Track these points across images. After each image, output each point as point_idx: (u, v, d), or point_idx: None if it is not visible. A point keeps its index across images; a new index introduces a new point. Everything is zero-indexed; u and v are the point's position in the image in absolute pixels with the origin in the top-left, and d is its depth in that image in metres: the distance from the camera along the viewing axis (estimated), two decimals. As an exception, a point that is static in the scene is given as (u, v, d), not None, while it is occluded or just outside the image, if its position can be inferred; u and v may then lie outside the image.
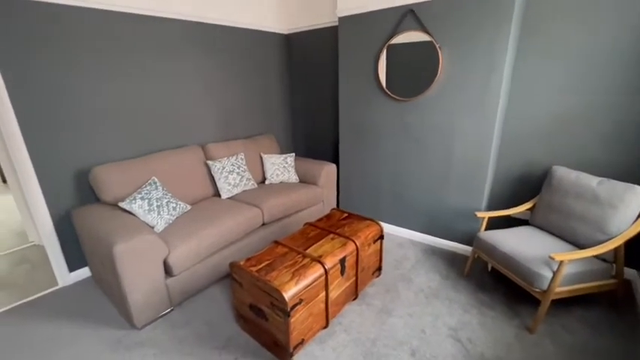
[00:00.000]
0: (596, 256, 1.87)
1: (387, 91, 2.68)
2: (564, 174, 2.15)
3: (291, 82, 3.93)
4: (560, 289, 1.77)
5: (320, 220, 2.35)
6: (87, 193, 2.40)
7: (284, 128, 4.01)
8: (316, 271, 1.72)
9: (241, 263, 1.77)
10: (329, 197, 3.31)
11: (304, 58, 3.68)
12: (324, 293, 1.78)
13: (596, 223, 1.90)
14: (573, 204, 2.03)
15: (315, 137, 3.92)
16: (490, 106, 2.26)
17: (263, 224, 2.64)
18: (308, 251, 1.89)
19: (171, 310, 2.10)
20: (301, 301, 1.62)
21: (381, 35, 2.61)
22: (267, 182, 3.19)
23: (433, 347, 1.76)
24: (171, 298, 2.05)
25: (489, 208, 2.73)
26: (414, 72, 2.51)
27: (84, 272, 2.50)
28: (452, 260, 2.60)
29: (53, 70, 2.13)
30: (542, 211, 2.22)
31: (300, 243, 2.00)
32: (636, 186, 1.83)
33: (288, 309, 1.53)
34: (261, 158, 3.27)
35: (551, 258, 1.67)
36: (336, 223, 2.26)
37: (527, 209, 2.35)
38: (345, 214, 2.41)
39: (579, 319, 1.92)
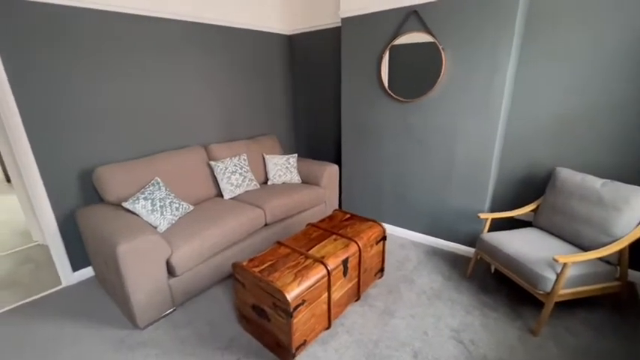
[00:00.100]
0: (600, 259, 1.86)
1: (389, 92, 2.68)
2: (568, 175, 2.14)
3: (293, 83, 3.93)
4: (564, 292, 1.76)
5: (322, 220, 2.35)
6: (90, 193, 2.41)
7: (286, 129, 4.01)
8: (319, 272, 1.72)
9: (244, 264, 1.78)
10: (331, 198, 3.31)
11: (307, 58, 3.68)
12: (326, 294, 1.78)
13: (600, 225, 1.89)
14: (577, 206, 2.02)
15: (318, 138, 3.92)
16: (493, 108, 2.26)
17: (265, 225, 2.64)
18: (311, 252, 1.89)
19: (174, 310, 2.10)
20: (304, 302, 1.62)
21: (384, 36, 2.61)
22: (269, 183, 3.20)
23: (435, 349, 1.76)
24: (174, 299, 2.06)
25: (492, 210, 2.73)
26: (417, 73, 2.51)
27: (87, 272, 2.51)
28: (454, 262, 2.60)
29: (57, 72, 2.14)
30: (545, 212, 2.21)
31: (302, 244, 2.00)
32: (641, 188, 1.83)
33: (291, 310, 1.53)
34: (263, 159, 3.27)
35: (555, 260, 1.66)
36: (338, 224, 2.26)
37: (531, 211, 2.34)
38: (348, 215, 2.41)
39: (583, 322, 1.91)
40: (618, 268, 1.88)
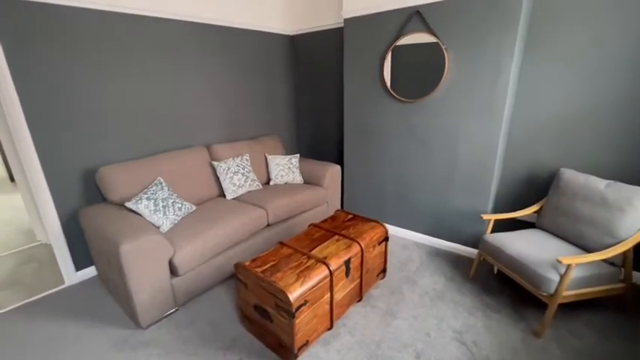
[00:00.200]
0: (604, 260, 1.85)
1: (392, 92, 2.68)
2: (572, 176, 2.13)
3: (296, 83, 3.94)
4: (568, 293, 1.75)
5: (325, 221, 2.35)
6: (94, 192, 2.42)
7: (289, 129, 4.01)
8: (321, 273, 1.72)
9: (246, 264, 1.78)
10: (333, 198, 3.31)
11: (309, 59, 3.68)
12: (328, 295, 1.78)
13: (604, 227, 1.88)
14: (581, 207, 2.01)
15: (320, 138, 3.92)
16: (496, 108, 2.25)
17: (268, 225, 2.65)
18: (313, 252, 1.89)
19: (176, 310, 2.11)
20: (306, 302, 1.62)
21: (386, 37, 2.60)
22: (271, 183, 3.20)
23: (438, 350, 1.75)
24: (176, 298, 2.06)
25: (495, 211, 2.72)
26: (420, 73, 2.50)
27: (90, 271, 2.52)
28: (456, 263, 2.59)
29: (61, 72, 2.15)
30: (549, 213, 2.20)
31: (305, 244, 2.00)
32: (645, 189, 1.81)
33: (293, 310, 1.53)
34: (265, 159, 3.28)
35: (559, 261, 1.65)
36: (340, 225, 2.26)
37: (534, 212, 2.33)
38: (350, 216, 2.40)
39: (586, 324, 1.90)
40: (622, 269, 1.86)
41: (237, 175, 2.86)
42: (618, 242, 1.80)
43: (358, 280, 2.05)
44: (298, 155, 3.38)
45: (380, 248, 2.22)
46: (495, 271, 2.43)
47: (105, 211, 2.14)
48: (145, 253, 1.81)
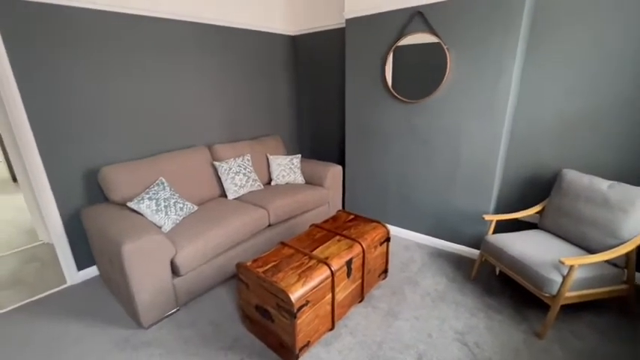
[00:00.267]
0: (607, 261, 1.84)
1: (394, 92, 2.67)
2: (574, 177, 2.12)
3: (297, 84, 3.94)
4: (570, 294, 1.74)
5: (326, 221, 2.34)
6: (96, 192, 2.43)
7: (290, 129, 4.02)
8: (323, 273, 1.72)
9: (248, 264, 1.78)
10: (335, 199, 3.31)
11: (311, 59, 3.68)
12: (330, 295, 1.78)
13: (606, 228, 1.87)
14: (583, 208, 2.00)
15: (321, 138, 3.92)
16: (498, 109, 2.25)
17: (269, 225, 2.65)
18: (314, 253, 1.89)
19: (178, 310, 2.11)
20: (307, 302, 1.61)
21: (388, 37, 2.60)
22: (273, 183, 3.20)
23: (440, 351, 1.75)
24: (178, 298, 2.06)
25: (497, 211, 2.71)
26: (422, 74, 2.50)
27: (92, 271, 2.52)
28: (458, 263, 2.58)
29: (63, 72, 2.16)
30: (551, 214, 2.19)
31: (306, 244, 2.00)
32: (648, 190, 1.81)
33: (295, 310, 1.53)
34: (267, 159, 3.28)
35: (561, 262, 1.65)
36: (342, 225, 2.26)
37: (536, 212, 2.32)
38: (352, 216, 2.40)
39: (589, 325, 1.89)
40: (625, 271, 1.85)
41: (238, 175, 2.87)
42: (621, 243, 1.79)
43: (360, 281, 2.05)
44: (300, 155, 3.38)
45: (381, 249, 2.22)
46: (497, 272, 2.42)
47: (107, 211, 2.15)
48: (146, 253, 1.82)
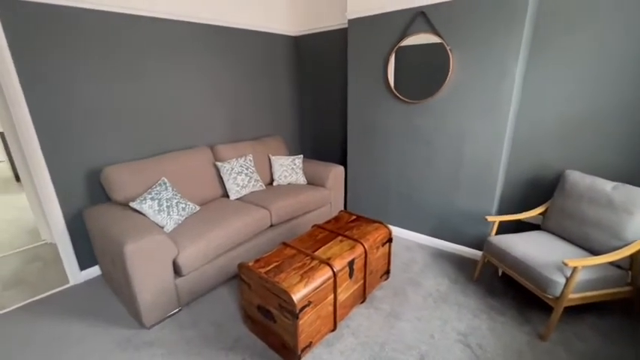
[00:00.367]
0: (611, 263, 1.83)
1: (396, 93, 2.67)
2: (578, 178, 2.11)
3: (299, 84, 3.94)
4: (574, 296, 1.73)
5: (328, 222, 2.34)
6: (98, 192, 2.43)
7: (292, 130, 4.02)
8: (325, 274, 1.71)
9: (250, 264, 1.78)
10: (337, 199, 3.30)
11: (312, 59, 3.69)
12: (332, 296, 1.78)
13: (610, 229, 1.86)
14: (587, 209, 1.99)
15: (323, 139, 3.92)
16: (501, 110, 2.24)
17: (271, 226, 2.64)
18: (316, 253, 1.88)
19: (179, 310, 2.11)
20: (310, 303, 1.61)
21: (390, 37, 2.60)
22: (275, 184, 3.20)
23: (442, 352, 1.74)
24: (180, 299, 2.07)
25: (500, 212, 2.70)
26: (424, 74, 2.49)
27: (94, 271, 2.53)
28: (460, 264, 2.57)
29: (66, 73, 2.17)
30: (554, 215, 2.18)
31: (308, 245, 2.00)
32: (653, 191, 1.79)
33: (297, 311, 1.53)
34: (269, 160, 3.28)
35: (565, 264, 1.64)
36: (344, 226, 2.25)
37: (539, 214, 2.31)
38: (354, 217, 2.40)
39: (592, 327, 1.88)
40: (629, 272, 1.84)
41: (240, 175, 2.87)
42: (625, 245, 1.78)
43: (362, 282, 2.05)
44: (302, 156, 3.38)
45: (383, 249, 2.22)
46: (500, 274, 2.41)
47: (109, 211, 2.15)
48: (149, 253, 1.82)
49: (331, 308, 1.80)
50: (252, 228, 2.44)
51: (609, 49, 2.06)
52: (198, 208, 2.50)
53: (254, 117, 3.51)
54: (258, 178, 3.04)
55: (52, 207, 2.24)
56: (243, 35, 3.21)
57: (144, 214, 2.13)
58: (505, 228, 2.63)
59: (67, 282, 2.44)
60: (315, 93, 3.80)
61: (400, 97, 2.66)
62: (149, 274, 1.85)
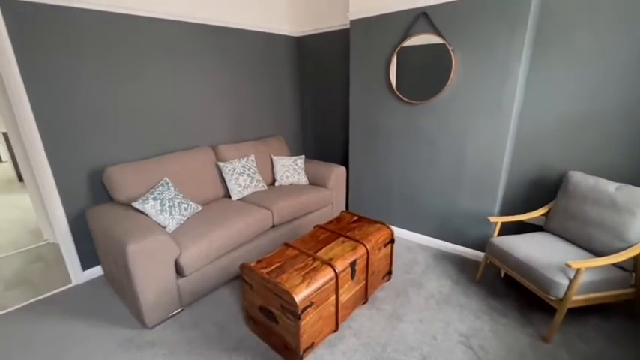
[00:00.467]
0: (615, 264, 1.82)
1: (398, 93, 2.67)
2: (581, 179, 2.10)
3: (301, 85, 3.94)
4: (577, 298, 1.73)
5: (330, 222, 2.34)
6: (101, 192, 2.44)
7: (294, 130, 4.02)
8: (327, 274, 1.71)
9: (252, 265, 1.78)
10: (338, 200, 3.30)
11: (315, 60, 3.69)
12: (334, 296, 1.77)
13: (614, 230, 1.85)
14: (590, 210, 1.98)
15: (325, 139, 3.92)
16: (504, 110, 2.23)
17: (273, 226, 2.64)
18: (318, 254, 1.88)
19: (181, 310, 2.11)
20: (312, 304, 1.61)
21: (393, 38, 2.60)
22: (276, 184, 3.20)
23: (444, 354, 1.74)
24: (182, 299, 2.07)
25: (502, 213, 2.69)
26: (426, 75, 2.49)
27: (97, 271, 2.54)
28: (462, 265, 2.57)
29: (69, 73, 2.18)
30: (557, 217, 2.18)
31: (310, 245, 1.99)
32: (656, 192, 1.79)
33: (299, 312, 1.53)
34: (271, 160, 3.28)
35: (568, 265, 1.63)
36: (346, 226, 2.25)
37: (542, 215, 2.30)
38: (355, 217, 2.40)
39: (596, 329, 1.87)
40: (633, 274, 1.83)
41: (242, 176, 2.87)
42: (629, 246, 1.77)
43: (364, 282, 2.04)
44: (303, 156, 3.38)
45: (385, 250, 2.21)
46: (502, 275, 2.40)
47: (112, 211, 2.16)
48: (151, 253, 1.82)
49: (333, 309, 1.79)
50: (254, 228, 2.44)
51: (611, 49, 2.05)
52: (200, 208, 2.50)
53: (256, 117, 3.52)
54: (260, 178, 3.04)
55: (55, 207, 2.25)
56: (245, 36, 3.21)
57: (146, 215, 2.13)
58: (507, 229, 2.62)
59: (70, 282, 2.44)
60: (317, 93, 3.80)
61: (402, 97, 2.65)
62: (151, 274, 1.85)
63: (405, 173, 2.86)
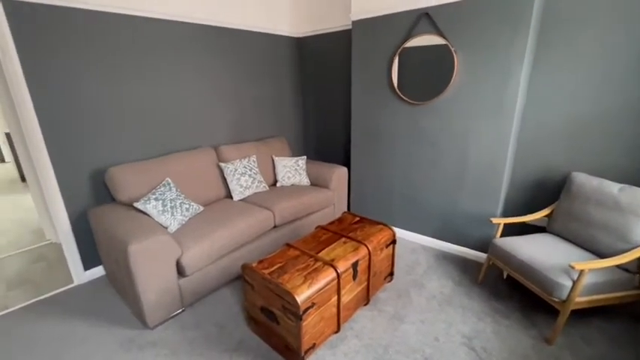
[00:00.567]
0: (618, 266, 1.81)
1: (400, 94, 2.66)
2: (584, 180, 2.09)
3: (302, 85, 3.94)
4: (580, 300, 1.71)
5: (332, 223, 2.33)
6: (103, 192, 2.44)
7: (295, 131, 4.02)
8: (328, 275, 1.70)
9: (253, 265, 1.77)
10: (340, 200, 3.30)
11: (316, 61, 3.69)
12: (336, 297, 1.77)
13: (618, 232, 1.84)
14: (594, 211, 1.97)
15: (327, 140, 3.92)
16: (507, 111, 2.23)
17: (274, 227, 2.64)
18: (320, 255, 1.88)
19: (183, 310, 2.11)
20: (313, 304, 1.60)
21: (395, 39, 2.59)
22: (278, 185, 3.20)
23: (447, 355, 1.73)
24: (183, 299, 2.07)
25: (504, 214, 2.68)
26: (428, 76, 2.49)
27: (98, 271, 2.54)
28: (464, 266, 2.56)
29: (72, 74, 2.18)
30: (560, 218, 2.16)
31: (312, 246, 1.99)
32: (661, 194, 1.77)
33: (300, 312, 1.52)
34: (272, 161, 3.28)
35: (572, 267, 1.62)
36: (347, 227, 2.25)
37: (545, 216, 2.29)
38: (357, 218, 2.39)
39: (599, 331, 1.86)
40: (637, 276, 1.81)
41: (244, 176, 2.87)
42: (633, 248, 1.76)
43: (365, 283, 2.04)
44: (305, 157, 3.38)
45: (387, 251, 2.20)
46: (505, 276, 2.39)
47: (113, 211, 2.16)
48: (152, 254, 1.82)
49: (335, 310, 1.79)
50: (256, 229, 2.44)
51: (614, 50, 2.04)
52: (201, 208, 2.51)
53: (257, 118, 3.52)
54: (262, 179, 3.04)
55: (57, 207, 2.25)
56: (247, 36, 3.22)
57: (148, 215, 2.13)
58: (510, 230, 2.61)
59: (72, 282, 2.45)
60: (318, 94, 3.80)
61: (404, 98, 2.65)
62: (153, 274, 1.85)
63: (407, 174, 2.85)
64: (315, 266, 1.76)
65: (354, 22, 2.81)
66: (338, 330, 1.86)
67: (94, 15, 2.20)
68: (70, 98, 2.20)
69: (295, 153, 4.07)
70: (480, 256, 2.61)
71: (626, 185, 1.93)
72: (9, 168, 6.74)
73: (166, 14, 2.56)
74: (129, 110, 2.49)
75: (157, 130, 2.67)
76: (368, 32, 2.74)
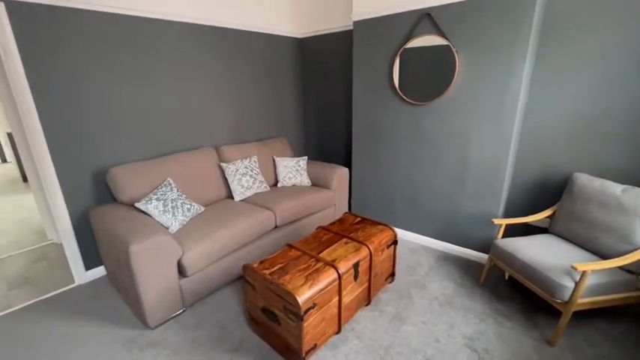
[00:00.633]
0: (621, 267, 1.80)
1: (401, 94, 2.66)
2: (586, 181, 2.08)
3: (303, 86, 3.94)
4: (583, 301, 1.70)
5: (333, 223, 2.33)
6: (104, 193, 2.44)
7: (296, 131, 4.02)
8: (330, 276, 1.70)
9: (254, 266, 1.77)
10: (341, 201, 3.29)
11: (317, 61, 3.69)
12: (337, 298, 1.76)
13: (620, 232, 1.83)
14: (596, 212, 1.96)
15: (328, 140, 3.91)
16: (508, 112, 2.22)
17: (275, 227, 2.64)
18: (321, 255, 1.87)
19: (184, 310, 2.11)
20: (314, 305, 1.60)
21: (396, 39, 2.59)
22: (279, 185, 3.20)
23: (448, 357, 1.72)
24: (184, 299, 2.06)
25: (506, 215, 2.67)
26: (430, 76, 2.48)
27: (100, 271, 2.54)
28: (466, 267, 2.55)
29: (74, 74, 2.19)
30: (562, 219, 2.15)
31: (313, 247, 1.99)
32: (664, 195, 1.76)
33: (302, 313, 1.52)
34: (273, 161, 3.28)
35: (574, 268, 1.61)
36: (349, 228, 2.24)
37: (547, 217, 2.28)
38: (358, 219, 2.39)
39: (601, 332, 1.85)
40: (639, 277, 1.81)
41: (245, 176, 2.87)
42: (635, 249, 1.75)
43: (367, 284, 2.03)
44: (306, 157, 3.37)
45: (388, 252, 2.20)
46: (506, 277, 2.38)
47: (115, 211, 2.16)
48: (153, 254, 1.82)
49: (336, 310, 1.78)
50: (257, 229, 2.44)
51: (617, 50, 2.04)
52: (202, 209, 2.50)
53: (258, 118, 3.52)
54: (263, 179, 3.04)
55: (59, 207, 2.26)
56: (248, 37, 3.22)
57: (149, 215, 2.13)
58: (512, 231, 2.60)
59: (73, 282, 2.45)
60: (319, 94, 3.80)
61: (405, 98, 2.64)
62: (154, 274, 1.85)
63: (409, 174, 2.84)
64: (317, 267, 1.75)
65: (355, 23, 2.81)
66: (339, 331, 1.85)
67: (94, 15, 2.21)
68: (72, 98, 2.20)
69: (296, 153, 4.07)
70: (482, 257, 2.60)
71: (629, 186, 1.92)
72: (11, 168, 6.76)
73: (167, 14, 2.56)
74: (130, 110, 2.49)
75: (157, 131, 2.68)
76: (369, 33, 2.74)
